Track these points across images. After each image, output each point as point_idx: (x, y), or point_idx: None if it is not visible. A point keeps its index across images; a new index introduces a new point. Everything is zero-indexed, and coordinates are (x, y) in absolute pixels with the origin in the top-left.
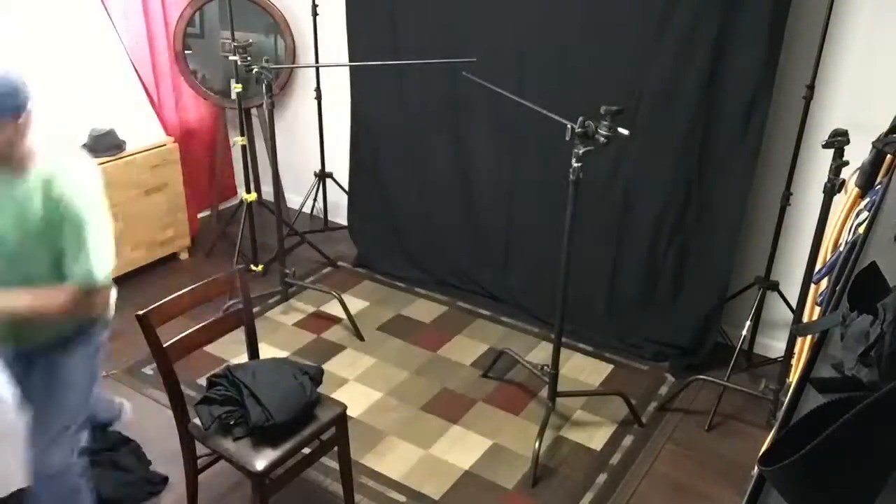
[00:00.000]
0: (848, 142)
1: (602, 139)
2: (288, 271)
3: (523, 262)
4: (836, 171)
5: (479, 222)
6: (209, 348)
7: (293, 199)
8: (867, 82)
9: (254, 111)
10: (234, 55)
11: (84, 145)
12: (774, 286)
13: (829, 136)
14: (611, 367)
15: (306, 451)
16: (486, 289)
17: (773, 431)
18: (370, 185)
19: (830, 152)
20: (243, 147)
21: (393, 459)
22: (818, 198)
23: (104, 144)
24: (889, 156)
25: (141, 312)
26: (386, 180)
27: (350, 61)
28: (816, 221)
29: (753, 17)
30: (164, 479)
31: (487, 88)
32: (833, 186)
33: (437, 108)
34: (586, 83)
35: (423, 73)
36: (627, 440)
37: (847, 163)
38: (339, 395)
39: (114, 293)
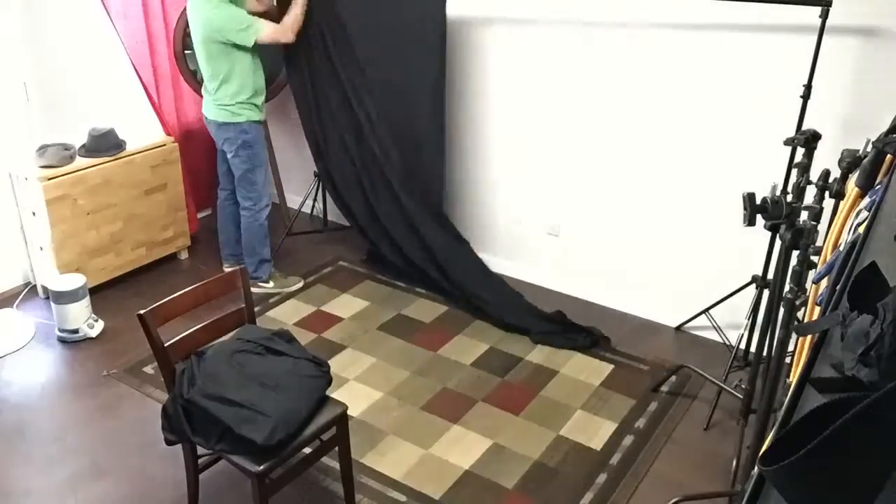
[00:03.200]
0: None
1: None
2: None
3: None
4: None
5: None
6: None
7: (293, 199)
8: (864, 82)
9: None
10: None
11: (84, 145)
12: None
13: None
14: (611, 367)
15: (306, 450)
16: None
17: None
18: None
19: (830, 152)
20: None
21: (393, 459)
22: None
23: (104, 144)
24: (889, 156)
25: (142, 312)
26: None
27: None
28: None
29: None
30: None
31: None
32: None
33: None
34: None
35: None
36: (627, 440)
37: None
38: (339, 395)
39: None
